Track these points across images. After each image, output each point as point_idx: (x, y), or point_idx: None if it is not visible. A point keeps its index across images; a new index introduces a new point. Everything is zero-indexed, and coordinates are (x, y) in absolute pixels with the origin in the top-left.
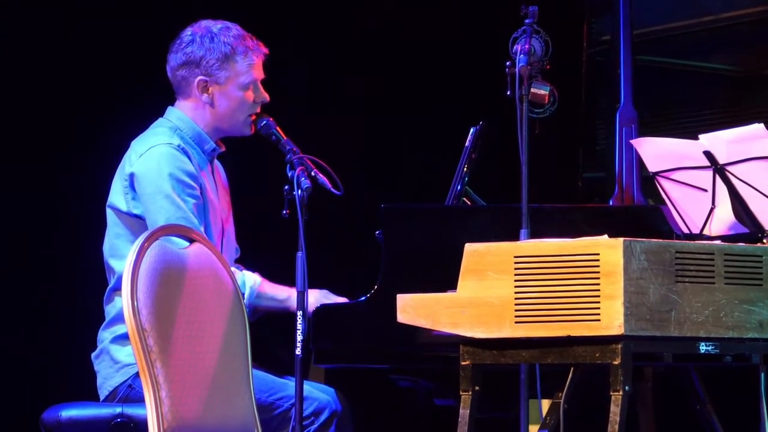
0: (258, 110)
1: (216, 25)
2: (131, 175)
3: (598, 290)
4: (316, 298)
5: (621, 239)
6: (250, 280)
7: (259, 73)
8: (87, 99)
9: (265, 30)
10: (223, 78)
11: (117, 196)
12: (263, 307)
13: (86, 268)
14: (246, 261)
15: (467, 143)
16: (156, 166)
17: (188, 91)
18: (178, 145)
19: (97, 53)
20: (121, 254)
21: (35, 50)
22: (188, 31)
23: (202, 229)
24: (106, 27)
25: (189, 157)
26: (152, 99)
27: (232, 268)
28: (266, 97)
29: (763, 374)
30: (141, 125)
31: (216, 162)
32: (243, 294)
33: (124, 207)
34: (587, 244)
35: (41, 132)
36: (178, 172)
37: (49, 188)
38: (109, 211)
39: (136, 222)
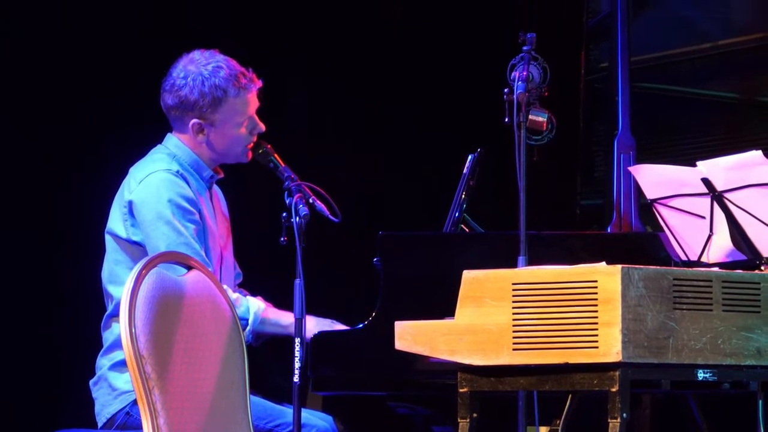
0: (255, 139)
1: (207, 65)
2: (130, 203)
3: (596, 317)
4: (318, 324)
5: (619, 266)
6: (254, 306)
7: (253, 108)
8: (85, 123)
9: (263, 56)
10: (217, 120)
11: (116, 222)
12: (267, 333)
13: (85, 294)
14: (245, 287)
15: (465, 170)
16: (155, 193)
17: (184, 129)
18: (177, 171)
19: (96, 77)
20: (120, 280)
21: (33, 72)
22: (180, 70)
23: (203, 254)
24: (106, 51)
25: (188, 183)
26: (151, 124)
27: (236, 294)
28: (262, 127)
29: (761, 401)
30: (140, 150)
31: (215, 188)
32: (247, 320)
33: (123, 234)
34: (585, 271)
35: (39, 156)
36: (177, 197)
37: (48, 213)
38: (108, 238)
39: (135, 249)
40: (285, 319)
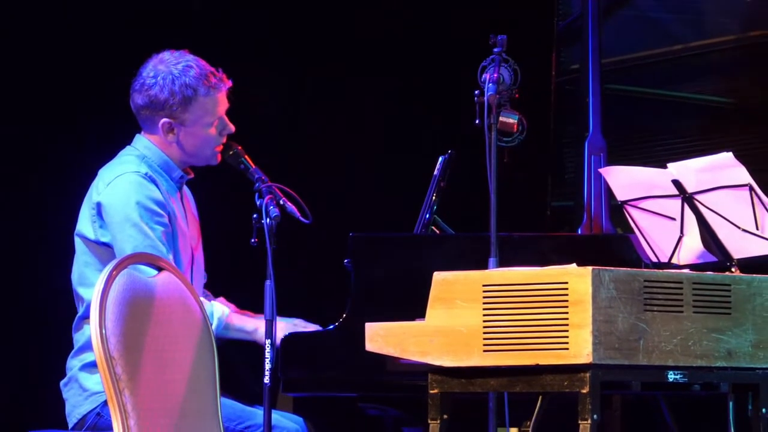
0: (224, 140)
1: (177, 65)
2: (98, 204)
3: (567, 319)
4: (285, 327)
5: (589, 268)
6: (218, 311)
7: (223, 108)
8: (54, 126)
9: (235, 56)
10: (187, 120)
11: (85, 224)
12: (231, 338)
13: (55, 296)
14: (214, 289)
15: (436, 172)
16: (124, 195)
17: (153, 129)
18: (146, 173)
19: (65, 80)
20: (90, 282)
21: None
22: (150, 70)
23: (170, 257)
24: (72, 52)
25: (157, 185)
26: (121, 126)
27: (201, 298)
28: (231, 128)
29: (731, 403)
30: (109, 152)
31: (185, 189)
32: (211, 324)
33: (91, 235)
34: (556, 272)
35: (7, 159)
36: (145, 200)
37: (18, 215)
38: (77, 240)
39: (104, 250)
40: (249, 325)
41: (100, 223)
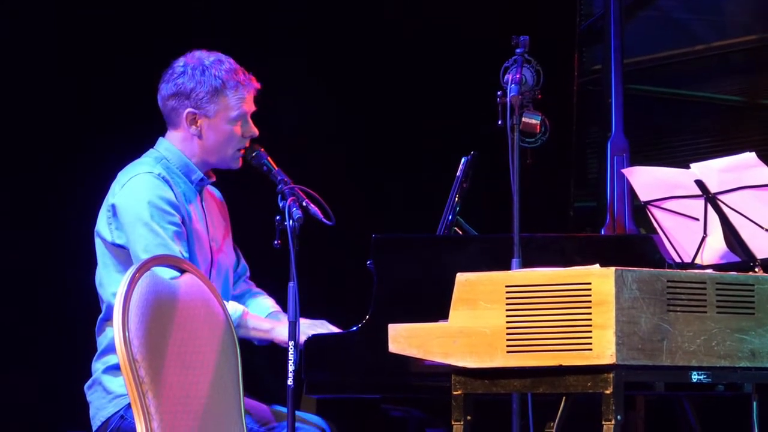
0: (247, 144)
1: (209, 58)
2: (113, 206)
3: (590, 320)
4: (311, 327)
5: (612, 269)
6: (232, 309)
7: (249, 107)
8: (80, 129)
9: (257, 57)
10: (212, 111)
11: (102, 226)
12: (246, 338)
13: (80, 298)
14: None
15: (458, 173)
16: (135, 195)
17: (177, 122)
18: (159, 174)
19: (91, 82)
20: (108, 284)
21: (29, 79)
22: (180, 61)
23: (186, 256)
24: (98, 56)
25: (171, 186)
26: (148, 129)
27: None
28: (255, 131)
29: (755, 403)
30: (135, 154)
31: (213, 191)
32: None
33: (108, 237)
34: (579, 273)
35: (32, 162)
36: (156, 199)
37: (42, 217)
38: (97, 241)
39: (121, 252)
40: (265, 324)
41: (116, 224)
